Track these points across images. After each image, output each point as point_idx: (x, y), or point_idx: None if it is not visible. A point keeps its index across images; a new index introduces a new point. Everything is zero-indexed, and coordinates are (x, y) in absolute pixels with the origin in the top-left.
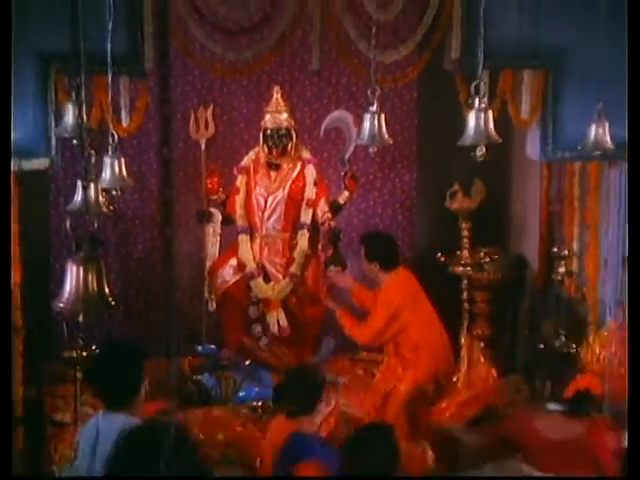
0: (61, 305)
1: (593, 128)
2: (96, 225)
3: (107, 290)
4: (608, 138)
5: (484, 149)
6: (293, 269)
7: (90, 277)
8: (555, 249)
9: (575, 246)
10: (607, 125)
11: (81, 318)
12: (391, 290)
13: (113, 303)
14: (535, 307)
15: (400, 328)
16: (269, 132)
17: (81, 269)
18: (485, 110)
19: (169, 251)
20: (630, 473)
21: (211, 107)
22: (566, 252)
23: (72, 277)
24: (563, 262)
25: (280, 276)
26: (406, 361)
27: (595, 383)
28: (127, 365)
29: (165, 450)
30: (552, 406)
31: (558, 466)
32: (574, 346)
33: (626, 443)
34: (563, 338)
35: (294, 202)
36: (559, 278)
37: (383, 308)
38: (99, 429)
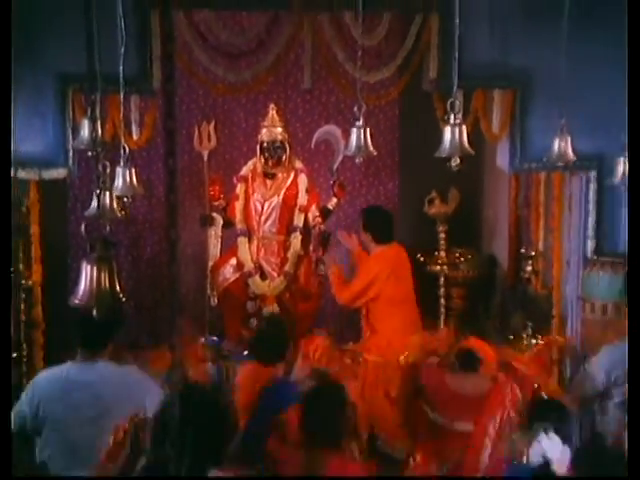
0: (76, 301)
1: (556, 142)
2: (108, 228)
3: (118, 287)
4: (570, 151)
5: (459, 160)
6: (287, 268)
7: (103, 276)
8: (523, 250)
9: (541, 247)
10: (569, 139)
11: (94, 313)
12: (375, 259)
13: (124, 299)
14: (505, 302)
15: (373, 296)
16: (265, 145)
17: (95, 268)
18: (460, 125)
19: (173, 251)
20: (630, 473)
21: (213, 122)
22: (533, 253)
23: (87, 276)
24: (530, 262)
25: (275, 274)
26: (373, 329)
27: (480, 346)
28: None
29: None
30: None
31: (453, 414)
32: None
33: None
34: (530, 330)
35: (288, 207)
36: (526, 276)
37: (364, 274)
38: (69, 378)
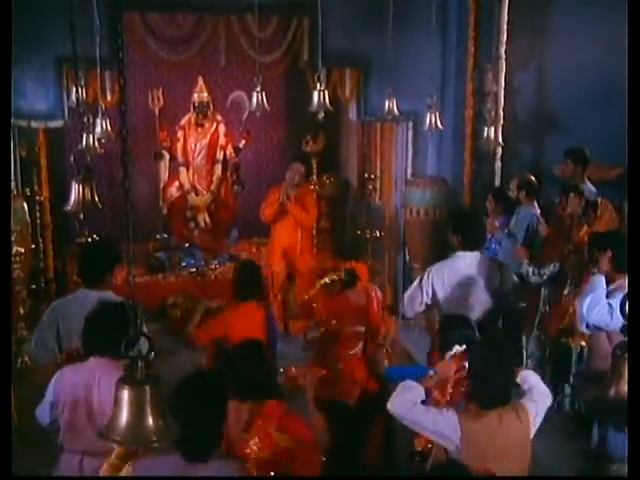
0: (69, 208)
1: (386, 103)
2: (90, 159)
3: (97, 199)
4: (395, 109)
5: (323, 114)
6: (212, 187)
7: (86, 191)
8: (366, 175)
9: (378, 173)
10: (395, 101)
11: (81, 216)
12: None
13: (101, 207)
14: (355, 209)
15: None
16: (196, 104)
17: (80, 186)
18: (324, 91)
19: (126, 171)
20: (630, 473)
21: (161, 89)
22: (372, 176)
23: (75, 191)
24: (371, 182)
25: (205, 192)
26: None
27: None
28: (102, 256)
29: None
30: None
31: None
32: (378, 232)
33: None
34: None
35: (212, 146)
36: (369, 192)
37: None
38: (78, 301)
